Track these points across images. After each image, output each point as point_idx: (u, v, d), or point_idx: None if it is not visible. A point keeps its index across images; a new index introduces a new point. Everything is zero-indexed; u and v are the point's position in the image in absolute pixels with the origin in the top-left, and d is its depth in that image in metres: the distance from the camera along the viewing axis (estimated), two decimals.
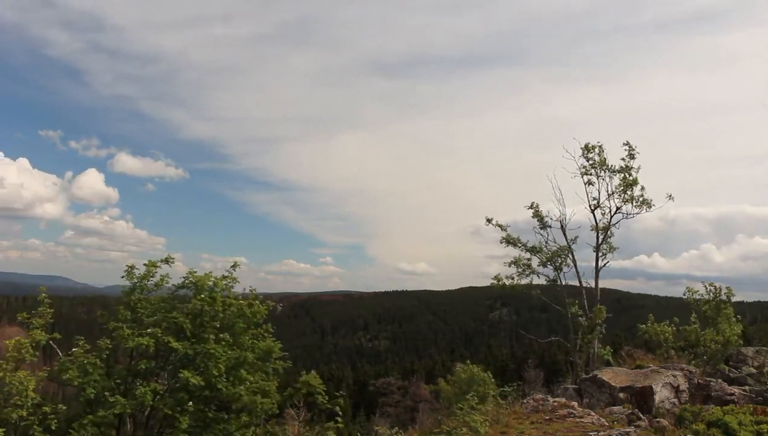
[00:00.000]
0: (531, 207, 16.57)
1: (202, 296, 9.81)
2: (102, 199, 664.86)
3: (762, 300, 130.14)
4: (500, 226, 16.64)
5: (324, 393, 10.63)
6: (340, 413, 10.50)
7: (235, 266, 10.59)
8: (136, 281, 9.85)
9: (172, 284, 10.26)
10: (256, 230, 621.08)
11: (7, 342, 8.65)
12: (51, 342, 9.52)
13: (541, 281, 16.47)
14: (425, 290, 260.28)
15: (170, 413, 8.66)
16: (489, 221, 16.75)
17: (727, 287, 16.25)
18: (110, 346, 9.19)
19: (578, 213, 16.17)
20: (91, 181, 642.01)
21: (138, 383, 9.09)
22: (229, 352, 9.37)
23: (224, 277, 10.36)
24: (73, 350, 9.09)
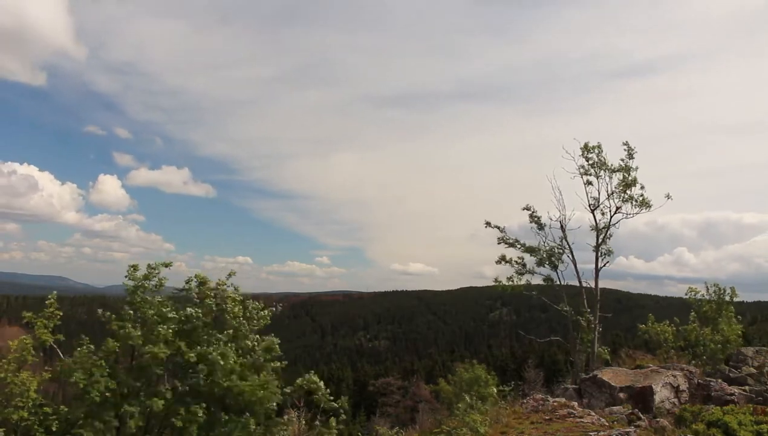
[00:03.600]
0: (526, 208, 16.61)
1: (207, 300, 9.84)
2: (118, 205, 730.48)
3: (762, 300, 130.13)
4: (498, 227, 16.68)
5: (326, 393, 10.61)
6: (343, 412, 10.51)
7: (230, 274, 10.56)
8: (138, 281, 9.86)
9: (174, 288, 10.29)
10: (260, 233, 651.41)
11: (9, 342, 8.65)
12: (52, 343, 9.52)
13: (539, 280, 16.52)
14: (425, 290, 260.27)
15: (180, 424, 8.61)
16: (488, 224, 16.78)
17: (730, 288, 16.32)
18: (118, 348, 9.17)
19: (578, 214, 16.21)
20: (111, 189, 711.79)
21: (141, 383, 9.09)
22: (233, 354, 9.39)
23: (223, 282, 10.36)
24: (78, 349, 9.09)
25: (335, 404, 10.39)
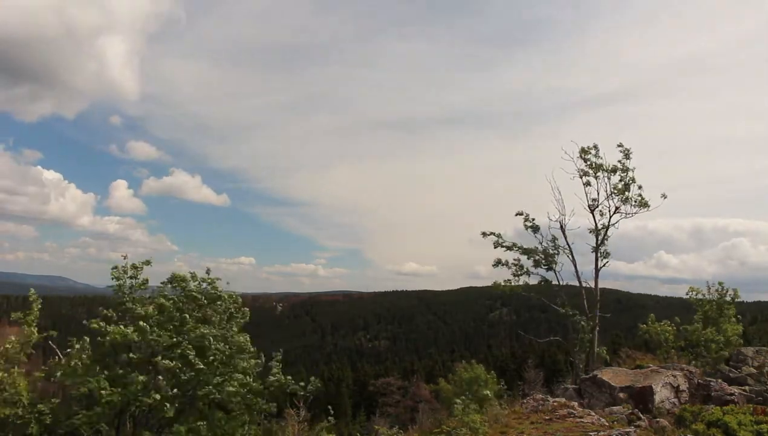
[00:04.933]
0: (520, 214, 16.61)
1: (187, 291, 9.93)
2: (128, 209, 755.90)
3: (762, 300, 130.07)
4: (493, 234, 16.62)
5: (284, 378, 10.48)
6: (332, 412, 10.52)
7: (209, 273, 10.60)
8: (122, 279, 9.90)
9: (160, 284, 10.36)
10: (263, 236, 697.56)
11: (6, 339, 8.66)
12: (50, 342, 9.52)
13: (536, 281, 16.50)
14: (425, 290, 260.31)
15: (155, 400, 8.61)
16: (484, 234, 16.70)
17: (732, 289, 16.32)
18: (104, 343, 9.17)
19: (577, 214, 16.20)
20: (123, 194, 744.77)
21: (129, 374, 9.11)
22: (219, 345, 9.44)
23: (205, 279, 10.38)
24: (68, 350, 9.11)
25: (298, 389, 10.27)
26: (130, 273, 9.93)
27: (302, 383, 10.25)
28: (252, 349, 10.12)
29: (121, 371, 8.88)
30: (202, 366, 9.08)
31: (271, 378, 10.04)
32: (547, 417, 9.44)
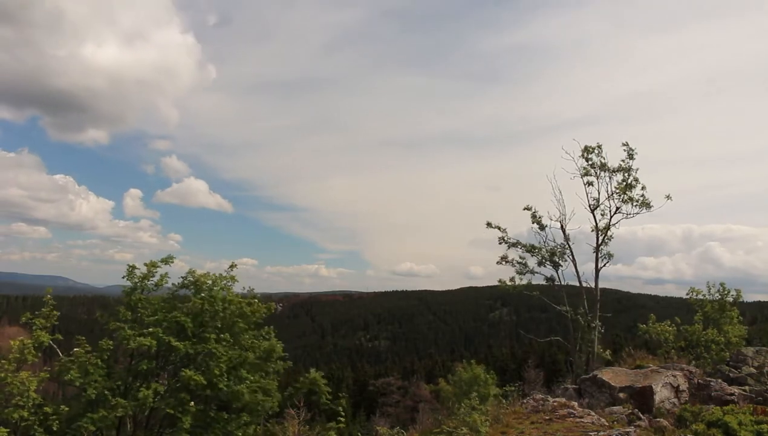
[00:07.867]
0: (527, 208, 16.60)
1: (202, 295, 9.82)
2: (137, 213, 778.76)
3: (762, 300, 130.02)
4: (498, 227, 16.65)
5: (327, 393, 10.62)
6: (343, 413, 10.52)
7: (232, 266, 10.59)
8: (136, 281, 9.85)
9: (173, 284, 10.27)
10: (267, 239, 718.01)
11: (12, 342, 8.65)
12: (51, 342, 9.53)
13: (540, 280, 16.49)
14: (425, 290, 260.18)
15: (172, 412, 8.66)
16: (489, 224, 16.75)
17: (735, 290, 16.28)
18: (112, 347, 9.19)
19: (578, 214, 16.20)
20: (134, 200, 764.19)
21: (138, 384, 9.09)
22: (230, 352, 9.38)
23: (223, 276, 10.35)
24: (75, 350, 9.10)
25: (334, 406, 10.38)
26: (144, 272, 9.87)
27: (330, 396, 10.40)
28: (281, 353, 10.16)
29: (131, 379, 8.90)
30: (222, 386, 9.01)
31: (303, 381, 10.13)
32: (547, 417, 9.44)
